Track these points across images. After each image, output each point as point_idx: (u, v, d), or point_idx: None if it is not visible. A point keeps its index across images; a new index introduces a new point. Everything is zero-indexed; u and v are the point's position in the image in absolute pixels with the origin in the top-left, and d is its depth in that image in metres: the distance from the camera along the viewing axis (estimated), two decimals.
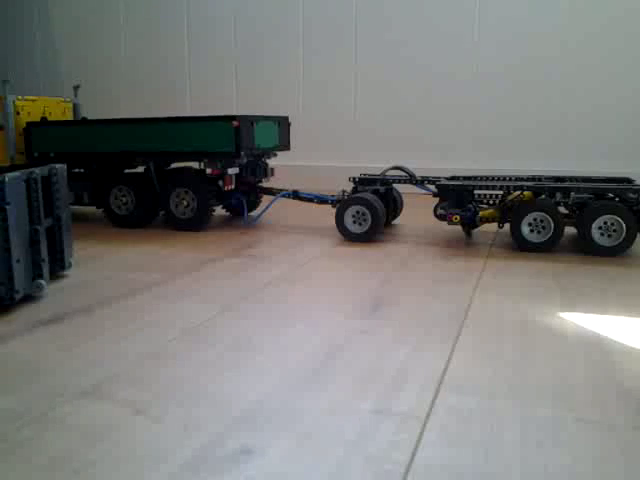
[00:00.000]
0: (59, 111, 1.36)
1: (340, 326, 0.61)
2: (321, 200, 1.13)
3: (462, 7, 1.64)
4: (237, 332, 0.60)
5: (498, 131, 1.66)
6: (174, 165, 1.37)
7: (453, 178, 1.08)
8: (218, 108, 1.92)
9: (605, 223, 0.91)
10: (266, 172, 1.24)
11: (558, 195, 0.95)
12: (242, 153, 1.08)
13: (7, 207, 0.65)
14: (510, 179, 1.06)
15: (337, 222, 1.04)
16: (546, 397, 0.45)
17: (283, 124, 1.23)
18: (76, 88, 1.42)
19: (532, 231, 0.94)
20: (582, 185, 0.95)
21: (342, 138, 1.81)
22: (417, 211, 1.37)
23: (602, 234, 0.91)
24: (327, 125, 1.82)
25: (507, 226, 1.08)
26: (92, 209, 1.45)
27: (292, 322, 0.62)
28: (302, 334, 0.59)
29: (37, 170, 0.72)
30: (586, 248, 0.92)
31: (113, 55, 2.04)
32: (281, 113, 1.84)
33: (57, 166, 0.77)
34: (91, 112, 2.03)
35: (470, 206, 0.99)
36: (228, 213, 1.34)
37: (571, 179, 1.05)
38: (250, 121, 1.10)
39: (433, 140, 1.72)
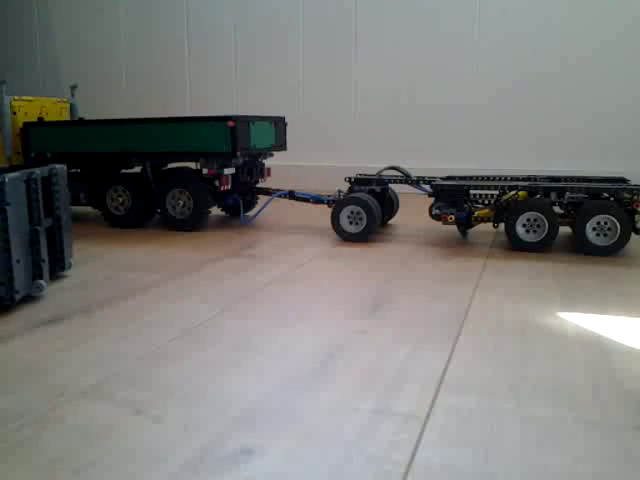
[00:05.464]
0: (56, 111, 1.36)
1: (340, 326, 0.61)
2: (317, 200, 1.14)
3: (462, 7, 1.64)
4: (237, 332, 0.60)
5: (497, 131, 1.66)
6: (171, 165, 1.37)
7: (449, 178, 1.08)
8: (218, 108, 1.92)
9: (599, 223, 0.91)
10: (262, 172, 1.24)
11: (553, 195, 0.95)
12: (238, 153, 1.08)
13: (7, 207, 0.65)
14: (505, 179, 1.06)
15: (333, 222, 1.04)
16: (546, 397, 0.45)
17: (279, 124, 1.23)
18: (73, 88, 1.42)
19: (527, 231, 0.94)
20: (577, 185, 0.95)
21: (342, 138, 1.81)
22: (415, 211, 1.37)
23: (597, 234, 0.91)
24: (327, 125, 1.82)
25: (502, 226, 1.08)
26: (91, 209, 1.45)
27: (292, 322, 0.62)
28: (302, 334, 0.59)
29: (37, 170, 0.72)
30: (581, 248, 0.92)
31: (113, 55, 2.04)
32: (281, 113, 1.84)
33: (57, 166, 0.77)
34: (90, 112, 2.02)
35: (465, 206, 0.99)
36: (225, 213, 1.34)
37: (566, 179, 1.05)
38: (246, 121, 1.10)
39: (432, 140, 1.72)
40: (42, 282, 0.70)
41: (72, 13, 2.06)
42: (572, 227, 0.94)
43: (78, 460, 0.37)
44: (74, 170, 1.26)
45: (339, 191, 1.11)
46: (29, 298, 0.72)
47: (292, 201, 1.51)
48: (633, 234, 1.06)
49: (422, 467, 0.36)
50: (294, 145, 1.81)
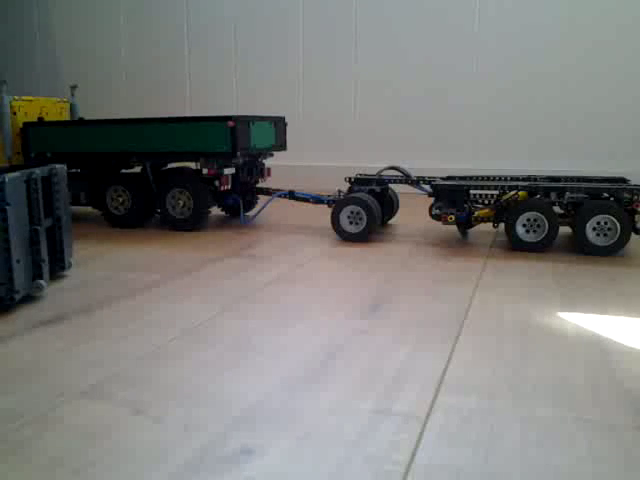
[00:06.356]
0: (56, 111, 1.36)
1: (340, 326, 0.61)
2: (317, 200, 1.14)
3: (462, 8, 1.64)
4: (237, 332, 0.60)
5: (497, 131, 1.66)
6: (171, 165, 1.37)
7: (449, 178, 1.08)
8: (218, 108, 1.92)
9: (599, 223, 0.91)
10: (262, 172, 1.24)
11: (553, 195, 0.95)
12: (238, 153, 1.08)
13: (7, 207, 0.65)
14: (505, 179, 1.06)
15: (333, 222, 1.04)
16: (546, 397, 0.45)
17: (279, 124, 1.23)
18: (73, 88, 1.42)
19: (527, 231, 0.94)
20: (577, 185, 0.95)
21: (342, 138, 1.81)
22: (415, 211, 1.37)
23: (597, 234, 0.91)
24: (327, 125, 1.82)
25: (502, 226, 1.08)
26: (91, 209, 1.45)
27: (292, 322, 0.62)
28: (302, 334, 0.59)
29: (37, 170, 0.72)
30: (581, 248, 0.92)
31: (113, 55, 2.04)
32: (281, 113, 1.84)
33: (57, 166, 0.77)
34: (90, 112, 2.02)
35: (465, 206, 0.99)
36: (225, 213, 1.34)
37: (566, 179, 1.05)
38: (246, 121, 1.10)
39: (432, 140, 1.72)
40: (42, 282, 0.70)
41: (72, 13, 2.06)
42: (572, 227, 0.94)
43: (78, 460, 0.37)
44: (74, 170, 1.26)
45: (339, 191, 1.11)
46: (29, 298, 0.72)
47: (292, 201, 1.51)
48: (633, 234, 1.06)
49: (422, 467, 0.36)
50: (294, 145, 1.81)
